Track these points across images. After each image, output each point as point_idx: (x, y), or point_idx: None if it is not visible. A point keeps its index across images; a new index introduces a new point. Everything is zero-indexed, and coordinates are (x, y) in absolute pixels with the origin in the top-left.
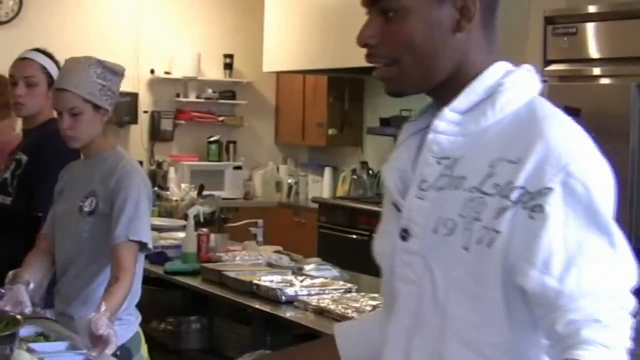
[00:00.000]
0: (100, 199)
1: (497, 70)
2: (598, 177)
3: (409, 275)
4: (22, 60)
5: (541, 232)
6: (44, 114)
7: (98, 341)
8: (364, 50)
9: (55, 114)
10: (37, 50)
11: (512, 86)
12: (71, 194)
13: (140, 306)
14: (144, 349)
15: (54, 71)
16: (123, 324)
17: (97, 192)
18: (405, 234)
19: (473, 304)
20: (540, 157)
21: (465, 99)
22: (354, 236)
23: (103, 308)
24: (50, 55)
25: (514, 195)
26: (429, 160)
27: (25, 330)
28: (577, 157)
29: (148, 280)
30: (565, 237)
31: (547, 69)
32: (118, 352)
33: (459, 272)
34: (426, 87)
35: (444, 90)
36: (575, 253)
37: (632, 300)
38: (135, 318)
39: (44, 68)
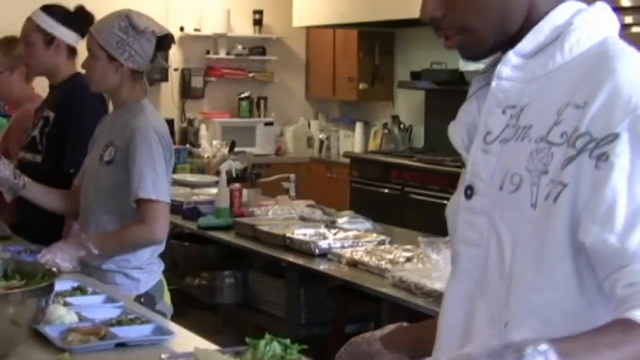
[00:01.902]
0: (118, 149)
1: (566, 9)
2: None
3: (471, 236)
4: (25, 21)
5: (604, 184)
6: (65, 70)
7: None
8: (394, 3)
9: (78, 69)
10: (45, 6)
11: (582, 25)
12: (96, 144)
13: (174, 261)
14: (167, 296)
15: (52, 27)
16: (146, 272)
17: (115, 143)
18: (469, 191)
19: (540, 266)
20: (607, 99)
21: (530, 40)
22: (386, 190)
23: (92, 246)
24: (53, 11)
25: (579, 142)
26: (493, 110)
27: (61, 284)
28: None
29: (182, 235)
30: (630, 190)
31: None
32: (142, 299)
33: (525, 232)
34: (502, 43)
35: (516, 38)
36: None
37: None
38: (159, 266)
39: (38, 27)
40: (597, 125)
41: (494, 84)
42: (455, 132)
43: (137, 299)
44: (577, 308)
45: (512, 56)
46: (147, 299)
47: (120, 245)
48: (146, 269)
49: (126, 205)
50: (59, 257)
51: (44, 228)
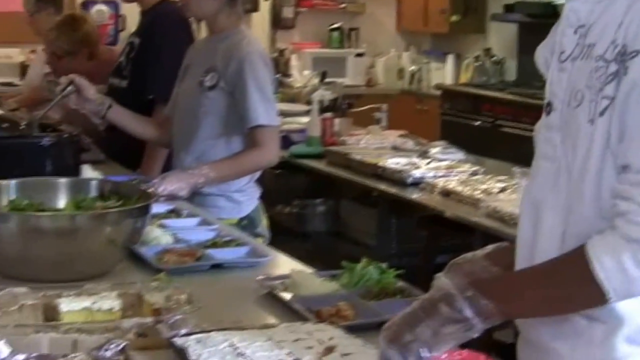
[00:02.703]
0: (222, 75)
1: None
2: None
3: (548, 151)
4: None
5: (625, 100)
6: None
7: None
8: None
9: None
10: None
11: None
12: (193, 70)
13: (265, 189)
14: (265, 220)
15: None
16: (246, 195)
17: (219, 68)
18: (548, 108)
19: (590, 179)
20: (637, 14)
21: None
22: (477, 123)
23: (208, 173)
24: None
25: (620, 57)
26: (567, 30)
27: (156, 207)
28: None
29: None
30: None
31: None
32: (244, 222)
33: (584, 147)
34: None
35: None
36: None
37: None
38: (256, 191)
39: None
40: (629, 39)
41: (567, 5)
42: (541, 52)
43: (239, 222)
44: None
45: None
46: (249, 222)
47: (237, 171)
48: (247, 191)
49: (229, 130)
50: (173, 185)
51: (134, 156)
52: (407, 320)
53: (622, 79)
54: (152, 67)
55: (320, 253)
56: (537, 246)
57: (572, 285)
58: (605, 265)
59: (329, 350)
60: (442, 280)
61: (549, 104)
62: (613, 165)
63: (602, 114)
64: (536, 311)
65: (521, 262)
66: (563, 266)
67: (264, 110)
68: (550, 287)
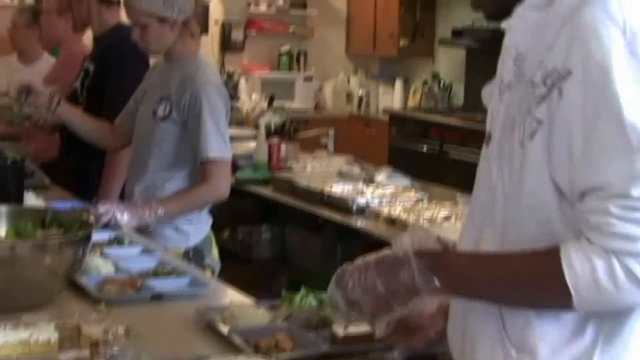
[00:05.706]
0: (174, 105)
1: None
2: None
3: (487, 182)
4: None
5: (566, 123)
6: (107, 20)
7: None
8: None
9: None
10: None
11: None
12: (149, 96)
13: (211, 215)
14: (215, 250)
15: None
16: (195, 225)
17: (172, 98)
18: (488, 139)
19: (522, 202)
20: (568, 36)
21: None
22: (425, 148)
23: (156, 207)
24: None
25: (549, 80)
26: (507, 61)
27: (99, 235)
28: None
29: None
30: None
31: None
32: (191, 253)
33: (516, 171)
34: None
35: None
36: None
37: None
38: (207, 221)
39: None
40: (559, 60)
41: (507, 37)
42: (487, 88)
43: (186, 253)
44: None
45: (520, 9)
46: (196, 253)
47: (186, 207)
48: (195, 222)
49: (180, 161)
50: (119, 211)
51: (83, 183)
52: (360, 270)
53: (557, 101)
54: (109, 94)
55: (265, 279)
56: None
57: (542, 284)
58: (576, 271)
59: None
60: (403, 241)
61: (488, 135)
62: (553, 188)
63: (532, 137)
64: (495, 298)
65: None
66: (534, 263)
67: (217, 143)
68: (519, 279)
